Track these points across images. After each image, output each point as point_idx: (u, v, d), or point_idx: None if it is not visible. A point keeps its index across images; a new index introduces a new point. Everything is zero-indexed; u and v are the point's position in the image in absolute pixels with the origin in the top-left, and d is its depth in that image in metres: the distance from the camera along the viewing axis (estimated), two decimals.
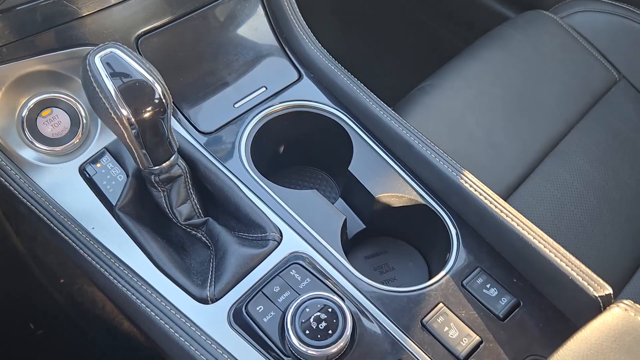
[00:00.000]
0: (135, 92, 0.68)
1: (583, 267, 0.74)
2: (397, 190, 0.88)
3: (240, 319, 0.74)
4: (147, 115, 0.69)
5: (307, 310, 0.70)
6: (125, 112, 0.67)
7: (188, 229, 0.84)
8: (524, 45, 1.38)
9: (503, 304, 0.77)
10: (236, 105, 0.95)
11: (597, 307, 0.72)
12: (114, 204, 0.82)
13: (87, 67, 0.67)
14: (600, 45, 1.41)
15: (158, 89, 0.69)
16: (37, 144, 0.85)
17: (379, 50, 2.03)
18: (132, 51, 0.70)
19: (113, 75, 0.67)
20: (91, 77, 0.67)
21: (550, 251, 0.75)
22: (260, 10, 1.03)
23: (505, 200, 0.84)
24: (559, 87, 1.33)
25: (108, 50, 0.68)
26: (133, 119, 0.68)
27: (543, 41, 1.40)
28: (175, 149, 0.78)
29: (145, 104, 0.68)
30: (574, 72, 1.37)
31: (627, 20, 1.45)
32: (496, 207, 0.80)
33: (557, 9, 1.49)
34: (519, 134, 1.24)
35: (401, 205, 0.89)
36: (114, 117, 0.68)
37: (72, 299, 1.35)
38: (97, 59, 0.68)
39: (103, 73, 0.67)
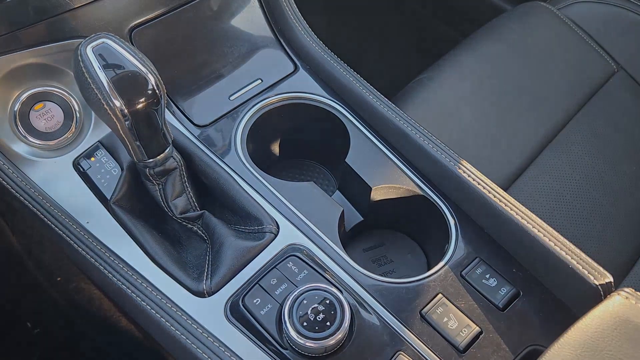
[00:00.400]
0: (128, 83, 0.67)
1: (583, 255, 0.73)
2: (394, 182, 0.87)
3: (237, 312, 0.73)
4: (140, 106, 0.68)
5: (305, 302, 0.69)
6: (118, 103, 0.66)
7: (184, 223, 0.83)
8: (521, 37, 1.37)
9: (503, 294, 0.77)
10: (231, 98, 0.94)
11: (597, 295, 0.71)
12: (108, 198, 0.81)
13: (79, 57, 0.66)
14: (597, 36, 1.40)
15: (151, 79, 0.68)
16: (30, 138, 0.84)
17: (375, 44, 2.02)
18: (125, 41, 0.69)
19: (105, 66, 0.66)
20: (83, 68, 0.66)
21: (550, 240, 0.74)
22: (254, 2, 1.02)
23: None
24: (557, 79, 1.32)
25: (100, 41, 0.67)
26: (126, 110, 0.67)
27: (540, 33, 1.39)
28: (170, 142, 0.77)
29: (138, 95, 0.67)
30: (571, 63, 1.36)
31: (624, 11, 1.44)
32: (495, 196, 0.79)
33: (554, 0, 1.48)
34: (517, 126, 1.23)
35: (399, 196, 0.88)
36: (107, 108, 0.67)
37: (69, 298, 1.34)
38: (89, 50, 0.66)
39: (95, 64, 0.66)
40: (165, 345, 0.74)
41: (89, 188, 0.82)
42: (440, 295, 0.77)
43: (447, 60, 1.32)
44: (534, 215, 0.77)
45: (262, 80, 0.96)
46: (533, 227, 0.76)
